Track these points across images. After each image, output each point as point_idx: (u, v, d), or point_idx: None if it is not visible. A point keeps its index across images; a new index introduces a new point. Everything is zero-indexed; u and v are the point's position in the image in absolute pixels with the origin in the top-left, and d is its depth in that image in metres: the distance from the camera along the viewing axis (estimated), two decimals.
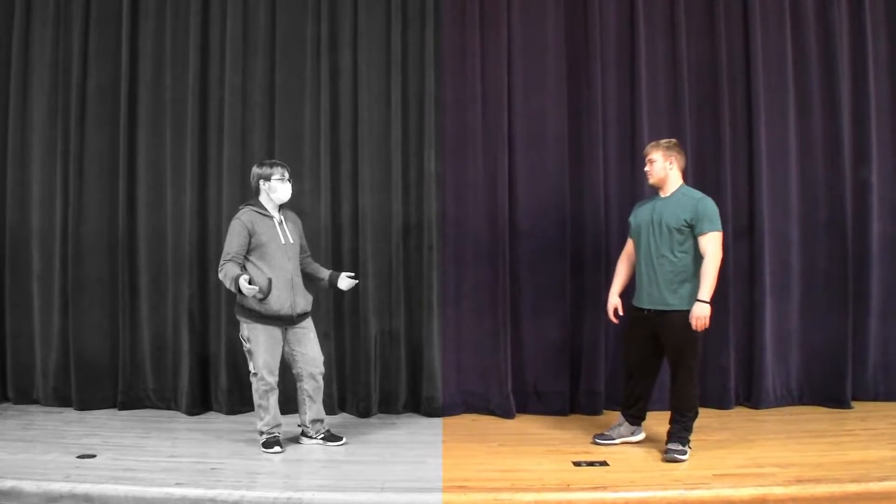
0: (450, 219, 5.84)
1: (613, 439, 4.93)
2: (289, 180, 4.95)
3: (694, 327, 4.51)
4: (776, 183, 5.87)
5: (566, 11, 5.90)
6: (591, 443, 4.96)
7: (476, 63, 5.87)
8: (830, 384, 5.78)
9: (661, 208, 4.70)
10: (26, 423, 5.50)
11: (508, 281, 5.77)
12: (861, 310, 5.88)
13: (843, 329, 5.77)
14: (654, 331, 4.69)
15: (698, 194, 4.71)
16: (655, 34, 5.91)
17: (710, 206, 4.61)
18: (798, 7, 5.93)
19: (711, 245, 4.54)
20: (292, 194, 5.04)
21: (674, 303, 4.59)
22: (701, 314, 4.48)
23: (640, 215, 4.82)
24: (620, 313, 4.97)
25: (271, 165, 4.95)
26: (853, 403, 5.74)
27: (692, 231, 4.58)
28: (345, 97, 5.89)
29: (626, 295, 5.01)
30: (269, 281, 4.71)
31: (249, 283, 4.61)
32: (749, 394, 5.86)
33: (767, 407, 5.75)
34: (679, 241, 4.60)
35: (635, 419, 4.94)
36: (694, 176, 5.76)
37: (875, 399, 5.87)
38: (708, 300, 4.49)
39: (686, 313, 4.53)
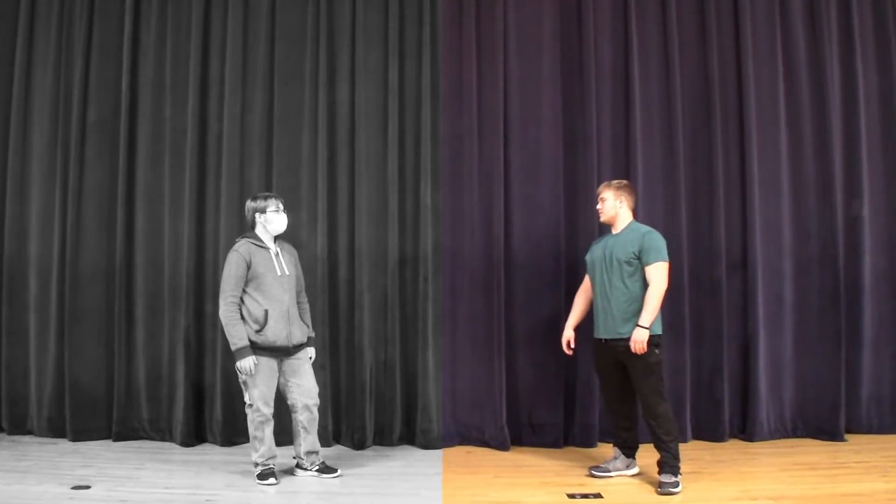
0: (445, 250, 5.87)
1: (609, 472, 4.95)
2: (284, 211, 5.00)
3: (633, 350, 4.64)
4: (769, 217, 5.93)
5: (562, 45, 5.99)
6: (587, 475, 4.97)
7: (472, 96, 5.94)
8: (824, 417, 5.79)
9: (613, 244, 4.91)
10: (20, 454, 5.48)
11: (503, 313, 5.80)
12: (854, 343, 5.91)
13: (836, 362, 5.79)
14: (616, 358, 4.82)
15: (645, 228, 4.91)
16: (650, 69, 6.00)
17: (655, 238, 4.81)
18: (790, 43, 6.03)
19: (656, 274, 4.73)
20: (289, 225, 5.09)
21: (626, 330, 4.74)
22: (639, 339, 4.64)
23: (595, 252, 5.04)
24: (573, 346, 5.16)
25: (265, 198, 5.01)
26: (846, 436, 5.75)
27: (640, 262, 4.76)
28: (342, 130, 5.95)
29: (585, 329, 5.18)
30: (266, 314, 4.75)
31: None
32: (743, 426, 5.87)
33: (761, 439, 5.76)
34: (629, 272, 4.79)
35: (630, 450, 4.98)
36: (687, 208, 5.84)
37: (868, 432, 5.88)
38: (647, 326, 4.65)
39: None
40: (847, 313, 5.86)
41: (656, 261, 4.73)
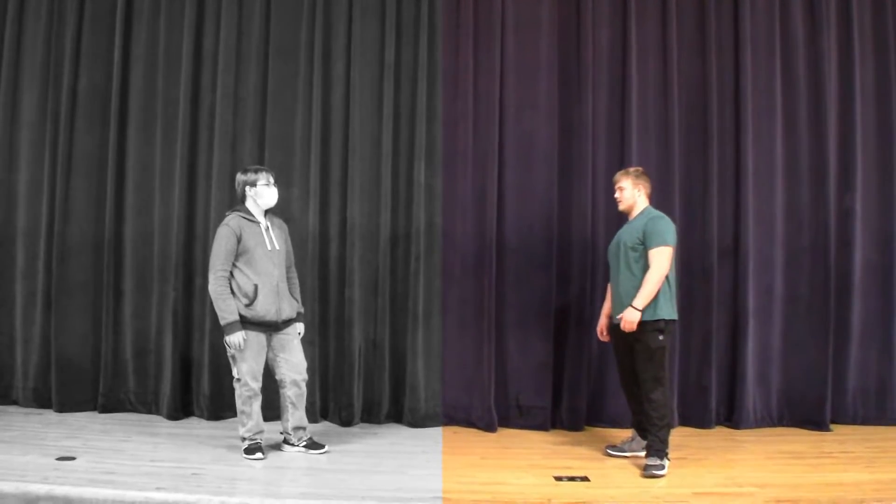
0: (438, 231, 5.85)
1: (625, 452, 5.01)
2: (274, 185, 4.97)
3: (622, 328, 4.69)
4: (762, 206, 5.92)
5: (559, 31, 5.95)
6: (603, 453, 5.06)
7: (468, 78, 5.91)
8: (810, 407, 5.81)
9: (625, 231, 4.91)
10: (5, 425, 5.45)
11: (494, 295, 5.79)
12: (842, 335, 5.93)
13: (823, 353, 5.80)
14: (626, 341, 4.82)
15: (654, 213, 4.88)
16: (647, 56, 5.98)
17: (660, 223, 4.78)
18: (788, 34, 6.01)
19: (656, 258, 4.71)
20: (281, 201, 5.07)
21: None
22: (628, 318, 4.67)
23: (613, 241, 5.04)
24: (605, 332, 5.15)
25: (256, 171, 4.96)
26: (832, 426, 5.78)
27: (644, 247, 4.75)
28: (336, 107, 5.91)
29: None
30: (255, 288, 4.73)
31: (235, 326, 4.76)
32: (730, 414, 5.90)
33: (748, 427, 5.78)
34: (634, 258, 4.79)
35: (646, 432, 4.95)
36: (681, 197, 5.83)
37: (853, 423, 5.91)
38: (640, 308, 4.66)
39: (644, 324, 4.67)
40: (836, 305, 5.87)
41: (657, 245, 4.70)
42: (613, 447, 5.08)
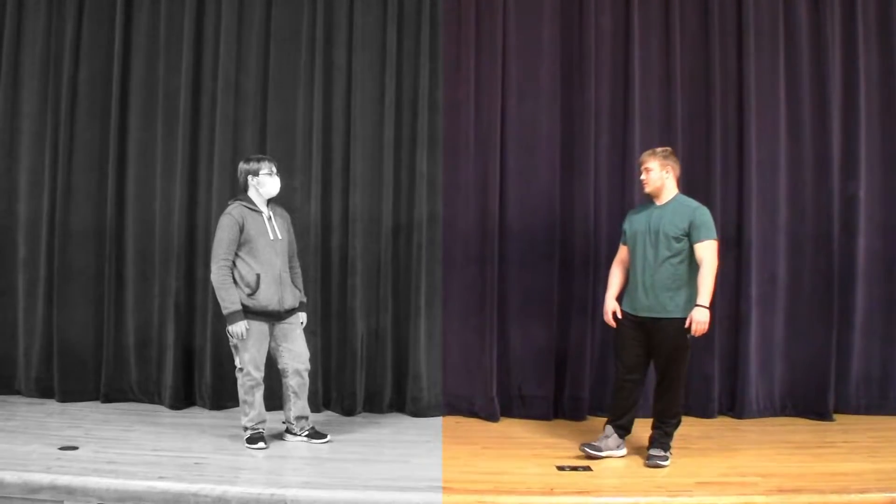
0: (440, 220, 5.83)
1: (601, 452, 4.75)
2: (277, 174, 4.95)
3: (693, 332, 4.51)
4: (765, 195, 5.89)
5: (562, 18, 5.91)
6: (580, 450, 4.85)
7: (470, 66, 5.88)
8: (813, 396, 5.80)
9: (658, 217, 4.71)
10: (8, 414, 5.46)
11: (496, 284, 5.77)
12: (845, 324, 5.90)
13: (826, 342, 5.79)
14: (646, 337, 4.70)
15: (694, 203, 4.72)
16: (650, 44, 5.93)
17: (706, 214, 4.65)
18: (791, 22, 5.96)
19: (708, 252, 4.56)
20: (283, 190, 5.05)
21: (671, 309, 4.60)
22: (701, 319, 4.49)
23: (636, 223, 4.82)
24: (619, 316, 4.88)
25: (258, 160, 4.94)
26: (835, 416, 5.76)
27: (689, 239, 4.62)
28: (338, 95, 5.88)
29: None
30: (258, 278, 4.73)
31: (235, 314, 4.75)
32: (732, 404, 5.89)
33: (750, 417, 5.77)
34: (676, 249, 4.62)
35: (623, 431, 4.84)
36: (684, 185, 5.77)
37: (856, 412, 5.89)
38: (707, 305, 4.51)
39: (680, 321, 4.54)
40: (839, 294, 5.85)
41: (707, 238, 4.56)
42: (590, 445, 4.79)
